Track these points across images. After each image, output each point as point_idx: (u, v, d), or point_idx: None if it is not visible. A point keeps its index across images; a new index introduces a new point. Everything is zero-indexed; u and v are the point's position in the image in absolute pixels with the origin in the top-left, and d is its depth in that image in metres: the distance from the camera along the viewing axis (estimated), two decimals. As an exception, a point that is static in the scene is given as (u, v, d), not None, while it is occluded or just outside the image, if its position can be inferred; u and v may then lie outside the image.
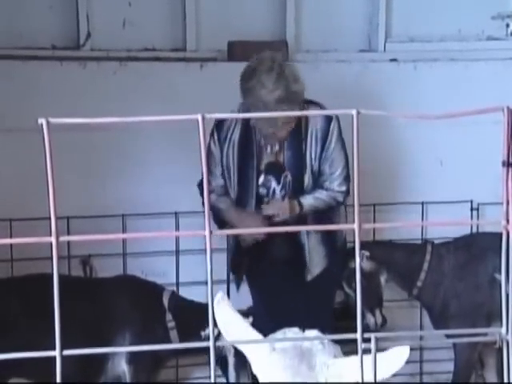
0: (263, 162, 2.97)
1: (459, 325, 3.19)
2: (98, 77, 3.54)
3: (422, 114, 1.06)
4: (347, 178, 2.91)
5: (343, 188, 2.92)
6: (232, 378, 2.97)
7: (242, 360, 2.89)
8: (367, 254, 3.24)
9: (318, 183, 2.94)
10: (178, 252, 3.56)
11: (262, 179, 2.97)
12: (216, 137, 2.96)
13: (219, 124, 2.95)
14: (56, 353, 0.72)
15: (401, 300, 3.50)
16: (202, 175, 2.93)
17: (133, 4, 3.70)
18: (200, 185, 3.03)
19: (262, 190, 2.97)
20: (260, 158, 2.95)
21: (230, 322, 1.43)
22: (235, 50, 3.69)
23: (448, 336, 3.09)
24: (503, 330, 0.80)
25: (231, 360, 2.95)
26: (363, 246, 3.25)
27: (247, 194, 2.96)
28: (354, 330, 0.78)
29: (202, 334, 2.89)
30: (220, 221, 2.99)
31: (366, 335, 0.80)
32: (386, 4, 3.83)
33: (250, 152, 2.94)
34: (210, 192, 2.93)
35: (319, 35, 3.82)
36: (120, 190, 3.55)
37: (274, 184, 2.95)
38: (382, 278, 3.30)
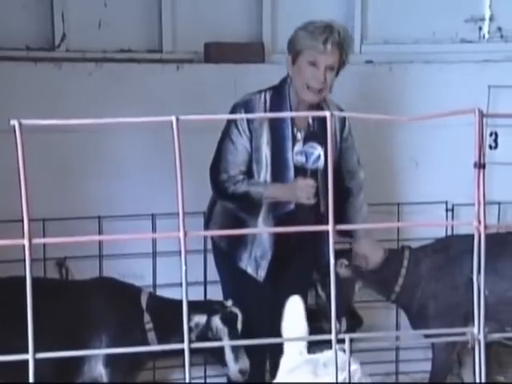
0: (298, 135, 2.93)
1: (437, 326, 3.21)
2: (74, 78, 3.52)
3: (395, 116, 1.07)
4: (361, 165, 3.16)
5: (362, 174, 3.16)
6: (231, 360, 2.94)
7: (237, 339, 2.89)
8: (346, 262, 3.23)
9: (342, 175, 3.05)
10: (154, 254, 3.55)
11: (299, 147, 2.90)
12: (244, 125, 2.88)
13: (248, 109, 2.87)
14: (29, 356, 0.71)
15: (377, 301, 3.52)
16: (212, 162, 2.93)
17: (108, 5, 3.69)
18: (212, 169, 2.96)
19: (301, 158, 2.88)
20: (294, 137, 2.92)
21: (294, 327, 1.42)
22: (212, 52, 3.69)
23: (425, 336, 3.11)
24: (475, 329, 0.81)
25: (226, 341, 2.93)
26: (342, 253, 3.26)
27: (283, 167, 2.90)
28: (324, 332, 0.78)
29: (191, 324, 2.89)
30: (251, 205, 2.89)
31: (341, 336, 0.80)
32: (362, 7, 3.86)
33: (285, 134, 2.90)
34: (225, 181, 2.90)
35: (295, 37, 3.83)
36: (96, 192, 3.53)
37: (319, 150, 2.86)
38: (357, 287, 3.30)
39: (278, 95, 2.92)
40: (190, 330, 2.88)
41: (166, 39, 3.73)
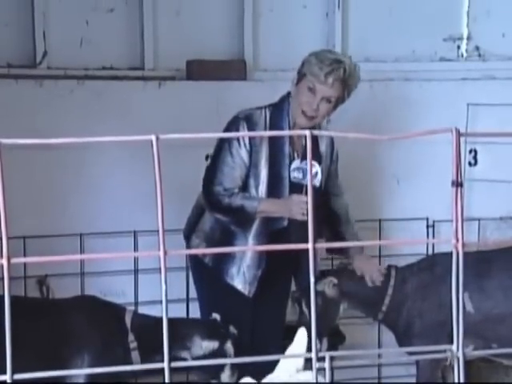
0: (295, 153, 2.96)
1: (424, 344, 3.20)
2: (55, 95, 3.52)
3: (375, 134, 1.08)
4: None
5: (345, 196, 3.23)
6: (227, 378, 2.92)
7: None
8: (335, 281, 3.23)
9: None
10: (136, 271, 3.53)
11: (296, 163, 2.93)
12: (246, 138, 2.90)
13: (250, 123, 2.89)
14: (7, 377, 0.71)
15: (359, 317, 3.52)
16: (207, 173, 2.93)
17: (90, 22, 3.69)
18: (206, 180, 2.95)
19: (298, 175, 2.92)
20: (291, 155, 2.95)
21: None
22: (193, 69, 3.71)
23: (408, 353, 3.11)
24: (454, 347, 0.81)
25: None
26: (330, 272, 3.26)
27: (280, 184, 2.91)
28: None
29: (203, 345, 2.90)
30: (244, 219, 2.89)
31: (321, 354, 0.80)
32: (342, 25, 3.89)
33: (283, 151, 2.93)
34: (219, 194, 2.89)
35: (277, 54, 3.86)
36: (77, 209, 3.51)
37: (316, 167, 2.93)
38: (342, 307, 3.29)
39: (278, 112, 2.94)
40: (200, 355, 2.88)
41: (148, 56, 3.73)
